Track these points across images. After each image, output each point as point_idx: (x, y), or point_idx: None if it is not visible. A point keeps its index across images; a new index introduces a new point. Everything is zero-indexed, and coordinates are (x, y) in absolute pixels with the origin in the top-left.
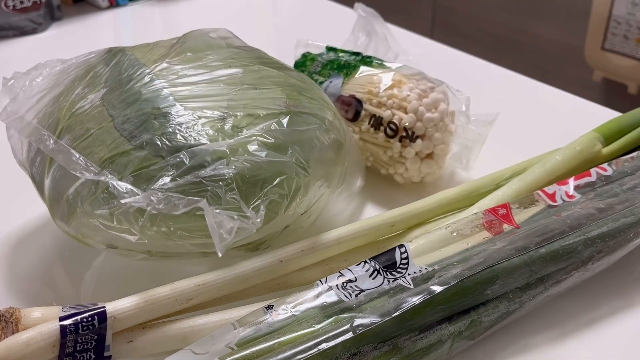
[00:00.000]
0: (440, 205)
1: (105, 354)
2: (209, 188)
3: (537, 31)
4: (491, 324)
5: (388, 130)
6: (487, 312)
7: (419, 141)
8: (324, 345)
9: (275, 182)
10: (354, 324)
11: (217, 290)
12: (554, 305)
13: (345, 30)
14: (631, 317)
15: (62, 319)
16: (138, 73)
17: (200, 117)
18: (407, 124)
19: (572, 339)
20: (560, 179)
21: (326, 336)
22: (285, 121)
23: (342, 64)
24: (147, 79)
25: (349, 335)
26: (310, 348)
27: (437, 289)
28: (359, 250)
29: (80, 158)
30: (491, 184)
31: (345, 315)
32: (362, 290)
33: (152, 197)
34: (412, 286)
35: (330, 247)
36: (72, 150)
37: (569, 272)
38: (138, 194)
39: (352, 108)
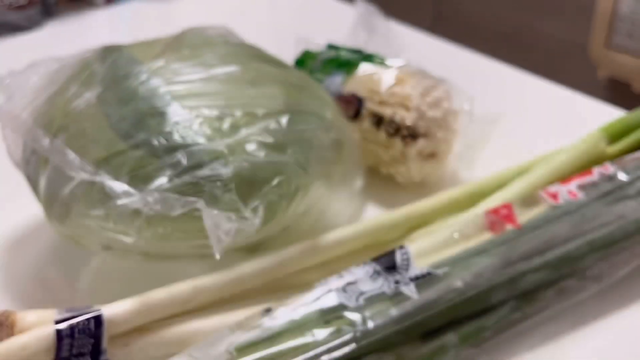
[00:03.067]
0: (443, 206)
1: (102, 357)
2: (206, 188)
3: (540, 28)
4: (497, 332)
5: (389, 129)
6: (491, 319)
7: (420, 140)
8: (325, 358)
9: (274, 183)
10: (357, 335)
11: (215, 292)
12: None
13: (345, 27)
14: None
15: (57, 322)
16: (134, 71)
17: (197, 116)
18: (409, 123)
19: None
20: (564, 178)
21: (328, 347)
22: (284, 120)
23: (343, 61)
24: (143, 77)
25: (352, 345)
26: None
27: (442, 296)
28: (360, 252)
29: (76, 158)
30: (495, 183)
31: (346, 320)
32: (362, 293)
33: (148, 198)
34: (416, 295)
35: (330, 248)
36: (68, 150)
37: (566, 279)
38: (134, 195)
39: (353, 106)
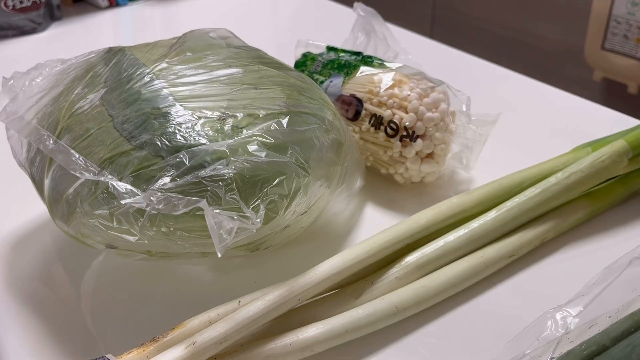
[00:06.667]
0: (455, 214)
1: None
2: (208, 188)
3: (537, 31)
4: None
5: (388, 130)
6: None
7: (419, 141)
8: None
9: (275, 182)
10: None
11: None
12: None
13: (345, 29)
14: None
15: None
16: (138, 73)
17: (200, 117)
18: (407, 124)
19: None
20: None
21: None
22: (285, 121)
23: (343, 63)
24: (146, 78)
25: None
26: None
27: None
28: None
29: (80, 158)
30: (509, 192)
31: None
32: None
33: (151, 198)
34: None
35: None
36: (72, 151)
37: None
38: (138, 194)
39: (353, 107)
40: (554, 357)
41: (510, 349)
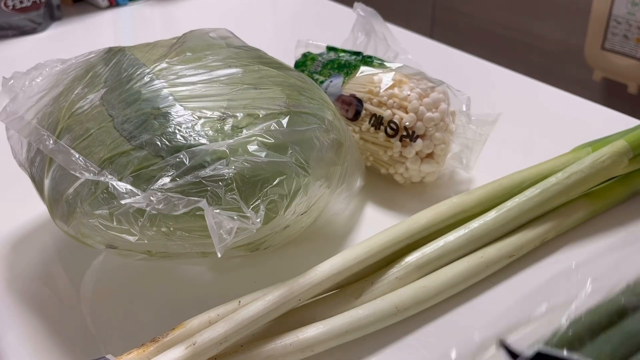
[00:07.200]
0: (455, 215)
1: None
2: (208, 188)
3: (537, 31)
4: None
5: (388, 130)
6: None
7: (419, 141)
8: None
9: (275, 182)
10: None
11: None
12: None
13: (345, 29)
14: None
15: None
16: (138, 73)
17: (200, 117)
18: (407, 124)
19: None
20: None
21: None
22: (285, 121)
23: (343, 63)
24: (146, 78)
25: None
26: None
27: None
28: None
29: (80, 158)
30: (509, 192)
31: None
32: None
33: (151, 198)
34: None
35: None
36: (72, 151)
37: None
38: (138, 194)
39: (353, 107)
40: (564, 323)
41: (515, 310)
